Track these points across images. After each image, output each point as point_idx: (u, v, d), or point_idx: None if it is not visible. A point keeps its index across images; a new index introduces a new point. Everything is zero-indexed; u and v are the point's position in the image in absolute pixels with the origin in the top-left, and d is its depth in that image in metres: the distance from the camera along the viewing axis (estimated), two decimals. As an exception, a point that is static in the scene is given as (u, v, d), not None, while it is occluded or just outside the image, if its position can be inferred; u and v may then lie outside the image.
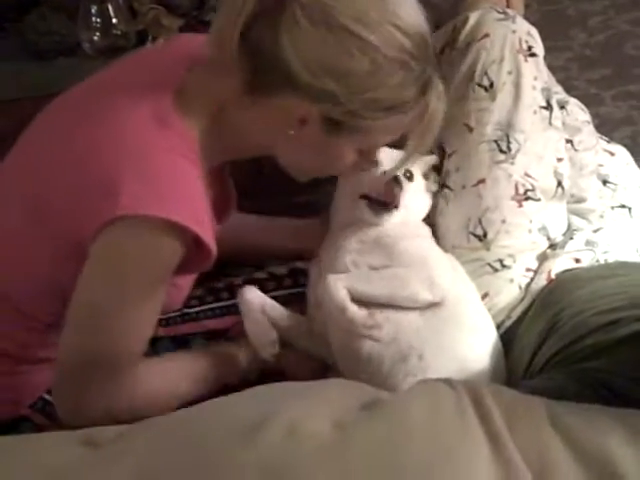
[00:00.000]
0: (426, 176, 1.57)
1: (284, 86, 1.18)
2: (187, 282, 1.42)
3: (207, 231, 1.23)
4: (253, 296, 1.47)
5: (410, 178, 1.51)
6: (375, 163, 1.42)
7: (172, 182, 1.20)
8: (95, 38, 2.10)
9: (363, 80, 1.18)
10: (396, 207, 1.45)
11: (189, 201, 1.21)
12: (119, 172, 1.18)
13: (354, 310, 1.37)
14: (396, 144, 1.38)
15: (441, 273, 1.43)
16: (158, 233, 1.18)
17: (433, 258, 1.47)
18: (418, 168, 1.53)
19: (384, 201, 1.45)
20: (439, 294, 1.40)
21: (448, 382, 1.05)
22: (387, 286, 1.41)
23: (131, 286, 1.22)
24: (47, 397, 1.41)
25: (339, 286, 1.39)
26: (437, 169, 1.61)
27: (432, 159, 1.59)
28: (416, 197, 1.52)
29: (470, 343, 1.41)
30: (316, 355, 1.51)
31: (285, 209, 1.83)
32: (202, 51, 1.25)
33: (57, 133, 1.31)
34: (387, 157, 1.45)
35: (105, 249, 1.20)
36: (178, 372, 1.38)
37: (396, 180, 1.43)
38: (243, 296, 1.48)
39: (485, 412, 0.97)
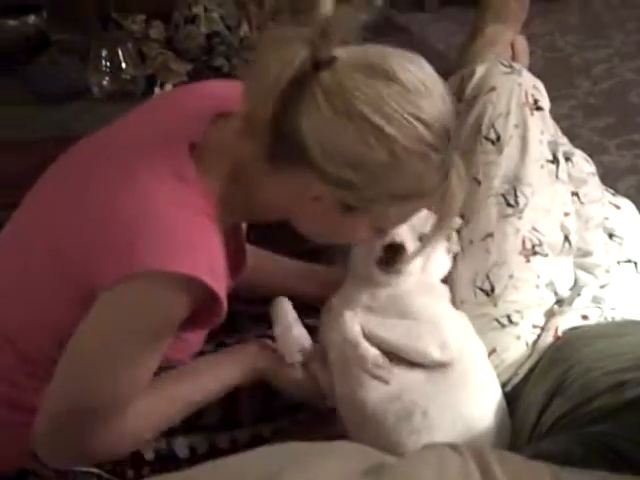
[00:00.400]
0: (448, 237, 1.56)
1: (302, 164, 1.18)
2: (198, 338, 1.41)
3: (222, 287, 1.23)
4: (287, 305, 1.48)
5: None
6: (390, 234, 1.42)
7: (189, 236, 1.20)
8: (104, 82, 2.13)
9: (381, 171, 1.17)
10: (398, 272, 1.45)
11: (206, 255, 1.21)
12: (137, 228, 1.18)
13: (367, 347, 1.38)
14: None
15: (453, 335, 1.43)
16: (172, 287, 1.18)
17: (446, 319, 1.46)
18: None
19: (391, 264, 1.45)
20: (448, 355, 1.40)
21: (454, 447, 1.04)
22: (400, 334, 1.41)
23: (131, 338, 1.21)
24: None
25: (355, 322, 1.39)
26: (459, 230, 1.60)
27: (456, 222, 1.57)
28: (435, 258, 1.52)
29: (475, 402, 1.39)
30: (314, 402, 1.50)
31: (297, 254, 1.83)
32: (227, 104, 1.26)
33: (76, 182, 1.31)
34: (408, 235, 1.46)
35: (113, 298, 1.20)
36: (166, 405, 1.36)
37: (396, 247, 1.43)
38: (277, 303, 1.49)
39: (491, 478, 0.96)
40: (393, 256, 1.42)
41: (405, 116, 1.15)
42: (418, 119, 1.15)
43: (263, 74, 1.15)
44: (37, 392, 1.32)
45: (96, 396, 1.23)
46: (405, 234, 1.44)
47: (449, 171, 1.23)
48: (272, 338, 1.51)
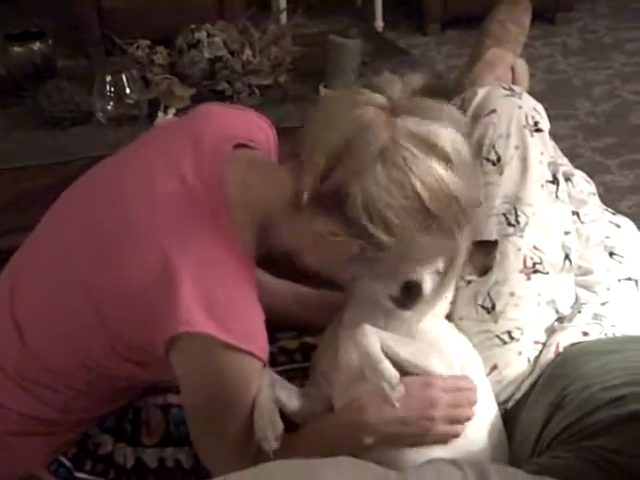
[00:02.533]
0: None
1: (333, 212, 1.22)
2: None
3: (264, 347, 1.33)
4: (264, 381, 1.41)
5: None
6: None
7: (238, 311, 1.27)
8: (109, 107, 2.16)
9: (412, 241, 1.23)
10: (408, 309, 1.43)
11: (249, 326, 1.29)
12: (180, 289, 1.22)
13: (388, 364, 1.35)
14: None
15: (457, 355, 1.44)
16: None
17: (448, 339, 1.47)
18: None
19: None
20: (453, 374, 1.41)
21: (454, 462, 1.05)
22: (412, 352, 1.40)
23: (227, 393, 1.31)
24: (62, 459, 1.45)
25: (376, 337, 1.38)
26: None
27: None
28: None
29: (473, 421, 1.40)
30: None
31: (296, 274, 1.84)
32: (239, 135, 1.34)
33: (111, 225, 1.33)
34: None
35: (187, 366, 1.30)
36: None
37: (412, 288, 1.40)
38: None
39: None
40: (409, 293, 1.40)
41: (450, 198, 1.22)
42: (458, 201, 1.23)
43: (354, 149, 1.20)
44: (63, 410, 1.40)
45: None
46: (423, 272, 1.43)
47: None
48: (270, 355, 1.49)
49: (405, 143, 1.20)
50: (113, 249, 1.30)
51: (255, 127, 1.49)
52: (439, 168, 1.20)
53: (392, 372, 1.35)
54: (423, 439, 1.35)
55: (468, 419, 1.38)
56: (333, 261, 1.32)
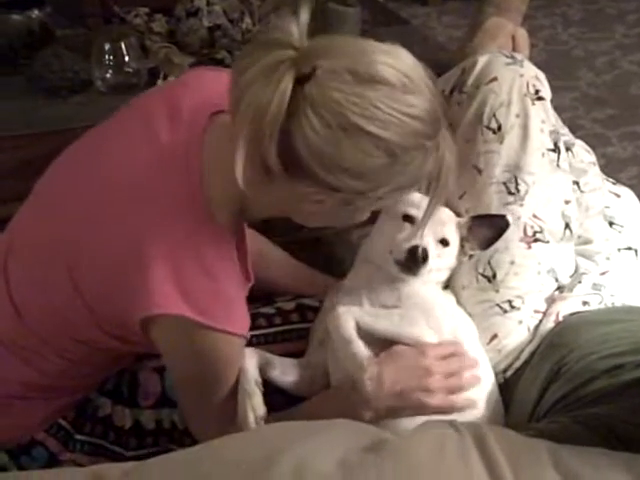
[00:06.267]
0: (463, 241, 1.54)
1: (304, 177, 1.19)
2: None
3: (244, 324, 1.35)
4: (249, 364, 1.42)
5: (446, 244, 1.50)
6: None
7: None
8: (108, 75, 2.14)
9: (383, 173, 1.19)
10: (414, 274, 1.44)
11: (224, 306, 1.30)
12: (153, 270, 1.23)
13: (359, 345, 1.38)
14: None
15: (447, 319, 1.45)
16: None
17: (439, 304, 1.48)
18: (457, 234, 1.52)
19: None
20: (443, 340, 1.42)
21: (452, 424, 1.05)
22: (394, 324, 1.42)
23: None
24: (62, 423, 1.47)
25: (349, 318, 1.39)
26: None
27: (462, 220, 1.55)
28: (444, 261, 1.51)
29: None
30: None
31: (293, 246, 1.84)
32: (220, 102, 1.27)
33: (93, 208, 1.33)
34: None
35: (166, 346, 1.33)
36: None
37: (416, 253, 1.42)
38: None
39: (489, 455, 0.97)
40: (415, 258, 1.42)
41: (398, 117, 1.15)
42: (411, 116, 1.16)
43: (260, 111, 1.13)
44: (61, 377, 1.42)
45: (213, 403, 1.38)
46: (428, 238, 1.45)
47: (440, 147, 1.24)
48: (266, 316, 1.58)
49: (327, 81, 1.13)
50: (93, 224, 1.31)
51: None
52: (371, 92, 1.14)
53: (363, 352, 1.37)
54: (422, 410, 1.36)
55: (463, 388, 1.40)
56: (323, 217, 1.31)
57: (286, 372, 1.48)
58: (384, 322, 1.42)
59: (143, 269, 1.22)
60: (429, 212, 1.34)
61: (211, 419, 1.39)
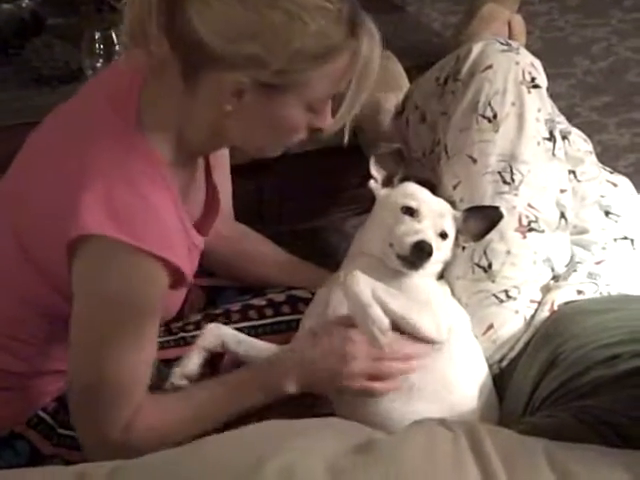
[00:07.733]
0: (457, 233, 1.53)
1: (206, 64, 1.19)
2: (173, 302, 1.45)
3: (178, 254, 1.28)
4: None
5: (445, 237, 1.50)
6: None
7: (141, 211, 1.24)
8: (98, 64, 2.11)
9: (279, 34, 1.17)
10: (417, 269, 1.44)
11: (157, 228, 1.25)
12: (83, 196, 1.21)
13: (378, 309, 1.36)
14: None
15: (444, 315, 1.44)
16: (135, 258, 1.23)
17: (438, 299, 1.48)
18: (453, 227, 1.52)
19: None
20: (441, 336, 1.42)
21: (444, 423, 1.04)
22: (403, 305, 1.41)
23: (124, 311, 1.26)
24: (42, 414, 1.45)
25: (367, 285, 1.37)
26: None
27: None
28: (442, 253, 1.51)
29: (462, 380, 1.43)
30: None
31: (288, 236, 1.83)
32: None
33: (33, 163, 1.36)
34: (425, 207, 1.48)
35: (86, 273, 1.26)
36: (184, 411, 1.37)
37: (422, 248, 1.41)
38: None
39: (482, 454, 0.96)
40: (420, 253, 1.41)
41: None
42: None
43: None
44: (26, 359, 1.41)
45: (104, 373, 1.27)
46: (429, 232, 1.45)
47: (357, 29, 1.22)
48: (257, 308, 1.57)
49: None
50: (31, 170, 1.33)
51: None
52: None
53: (382, 317, 1.35)
54: (338, 381, 1.38)
55: (388, 375, 1.40)
56: (255, 119, 1.28)
57: (250, 352, 1.48)
58: (397, 302, 1.40)
59: (75, 197, 1.21)
60: (349, 105, 1.31)
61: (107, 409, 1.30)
